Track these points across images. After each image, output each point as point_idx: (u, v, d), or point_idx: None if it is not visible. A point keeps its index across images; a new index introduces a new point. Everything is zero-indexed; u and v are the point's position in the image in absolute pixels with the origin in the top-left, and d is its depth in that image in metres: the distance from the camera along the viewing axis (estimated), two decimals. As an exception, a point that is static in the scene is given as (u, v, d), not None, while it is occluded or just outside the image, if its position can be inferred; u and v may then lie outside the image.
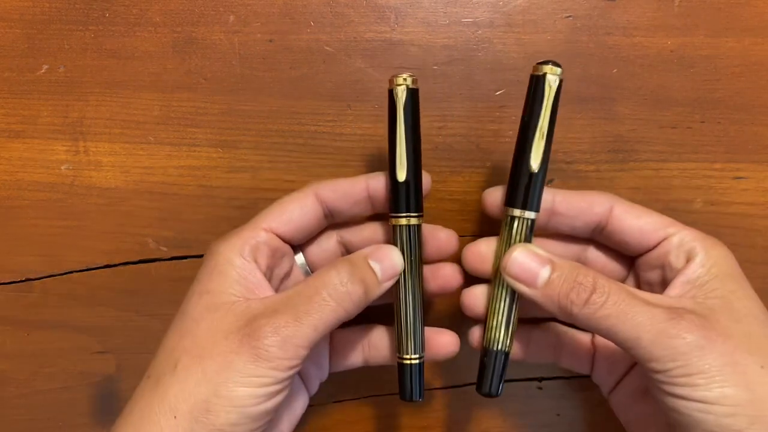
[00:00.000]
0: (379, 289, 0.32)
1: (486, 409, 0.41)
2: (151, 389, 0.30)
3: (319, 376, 0.37)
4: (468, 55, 0.38)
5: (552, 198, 0.34)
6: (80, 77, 0.38)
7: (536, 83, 0.32)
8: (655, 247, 0.33)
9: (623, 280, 0.36)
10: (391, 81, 0.33)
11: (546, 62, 0.32)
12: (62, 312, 0.39)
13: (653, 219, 0.33)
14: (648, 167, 0.39)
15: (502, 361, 0.33)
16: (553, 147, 0.38)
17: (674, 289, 0.32)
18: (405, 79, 0.32)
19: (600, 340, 0.36)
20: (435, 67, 0.38)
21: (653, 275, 0.34)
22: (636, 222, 0.33)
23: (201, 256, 0.39)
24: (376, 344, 0.37)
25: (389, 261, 0.33)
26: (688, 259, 0.32)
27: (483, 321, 0.35)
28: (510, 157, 0.33)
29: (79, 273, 0.39)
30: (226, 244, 0.32)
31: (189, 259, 0.39)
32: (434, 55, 0.38)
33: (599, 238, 0.35)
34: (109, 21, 0.38)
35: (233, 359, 0.29)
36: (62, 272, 0.39)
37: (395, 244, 0.34)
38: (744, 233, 0.39)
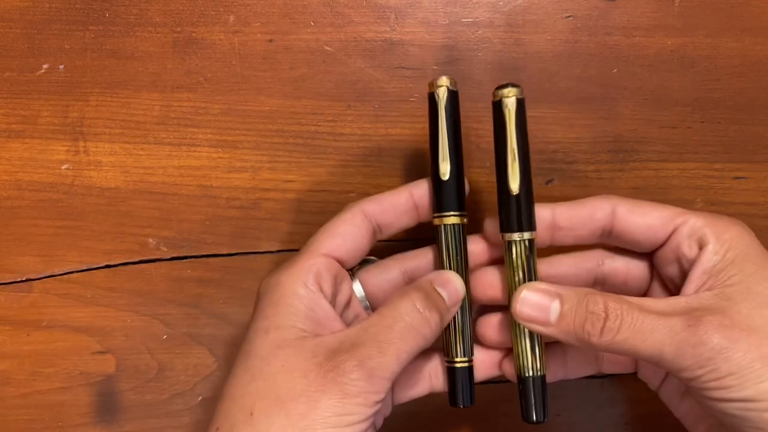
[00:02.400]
0: (449, 315, 0.32)
1: (486, 408, 0.41)
2: None
3: (383, 412, 0.34)
4: (468, 55, 0.38)
5: (551, 213, 0.33)
6: (80, 77, 0.38)
7: (496, 109, 0.32)
8: (666, 241, 0.32)
9: (648, 283, 0.35)
10: (431, 84, 0.33)
11: (504, 86, 0.32)
12: (62, 312, 0.39)
13: (659, 213, 0.32)
14: (648, 167, 0.39)
15: (540, 386, 0.33)
16: (553, 147, 0.39)
17: (692, 283, 0.31)
18: (445, 81, 0.33)
19: None
20: (435, 67, 0.38)
21: (672, 270, 0.33)
22: (642, 220, 0.32)
23: (201, 256, 0.39)
24: (440, 371, 0.35)
25: (452, 286, 0.32)
26: (701, 247, 0.31)
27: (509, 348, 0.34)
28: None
29: (79, 273, 0.39)
30: (286, 275, 0.31)
31: (189, 259, 0.39)
32: (434, 55, 0.38)
33: (610, 241, 0.34)
34: (109, 21, 0.38)
35: (318, 398, 0.27)
36: (62, 272, 0.39)
37: (440, 245, 0.33)
38: (744, 233, 0.39)
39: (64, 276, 0.39)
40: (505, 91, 0.32)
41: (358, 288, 0.35)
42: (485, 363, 0.35)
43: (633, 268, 0.34)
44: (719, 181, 0.39)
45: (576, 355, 0.35)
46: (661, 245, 0.33)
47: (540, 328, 0.31)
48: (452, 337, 0.34)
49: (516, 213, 0.32)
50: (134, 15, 0.38)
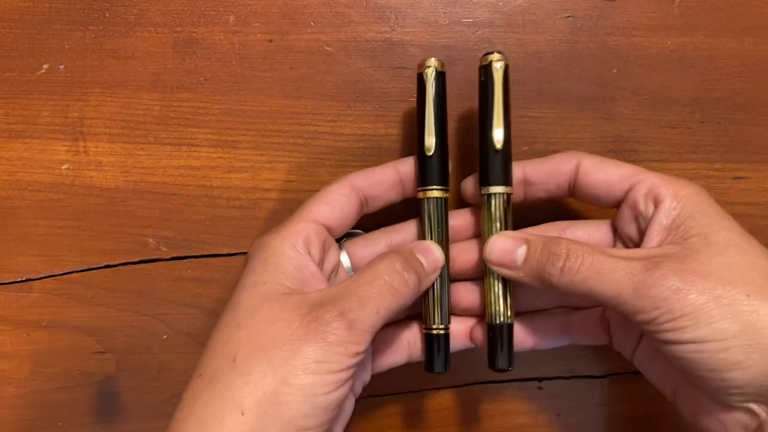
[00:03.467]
0: (427, 281, 0.33)
1: (486, 408, 0.41)
2: (208, 388, 0.29)
3: (362, 377, 0.36)
4: (468, 55, 0.38)
5: (522, 170, 0.35)
6: (80, 77, 0.38)
7: (485, 71, 0.34)
8: (624, 197, 0.33)
9: (611, 246, 0.35)
10: (420, 65, 0.35)
11: (491, 52, 0.34)
12: (62, 312, 0.39)
13: (618, 170, 0.34)
14: (648, 167, 0.38)
15: (507, 334, 0.34)
16: (553, 147, 0.39)
17: (651, 239, 0.32)
18: (433, 62, 0.34)
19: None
20: (435, 67, 0.38)
21: (631, 230, 0.34)
22: (601, 176, 0.34)
23: (201, 256, 0.39)
24: (418, 340, 0.36)
25: (432, 255, 0.34)
26: (656, 205, 0.32)
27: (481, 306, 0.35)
28: (510, 157, 0.34)
29: (78, 273, 0.39)
30: (276, 237, 0.32)
31: (189, 259, 0.39)
32: (434, 55, 0.38)
33: (576, 196, 0.35)
34: (109, 21, 0.38)
35: (300, 346, 0.28)
36: (62, 272, 0.39)
37: (422, 217, 0.35)
38: (744, 233, 0.39)
39: (64, 276, 0.39)
40: (494, 56, 0.34)
41: (345, 259, 0.36)
42: (458, 334, 0.36)
43: (593, 234, 0.35)
44: (719, 181, 0.39)
45: (545, 324, 0.36)
46: (620, 202, 0.34)
47: (508, 272, 0.33)
48: (430, 305, 0.35)
49: (498, 167, 0.34)
50: (134, 15, 0.38)
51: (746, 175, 0.39)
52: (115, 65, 0.38)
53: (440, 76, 0.35)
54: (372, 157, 0.39)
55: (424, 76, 0.34)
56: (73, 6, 0.38)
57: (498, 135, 0.34)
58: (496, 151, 0.34)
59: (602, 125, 0.39)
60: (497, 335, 0.34)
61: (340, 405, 0.30)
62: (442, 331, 0.35)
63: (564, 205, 0.39)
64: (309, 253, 0.32)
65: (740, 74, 0.38)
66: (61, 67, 0.38)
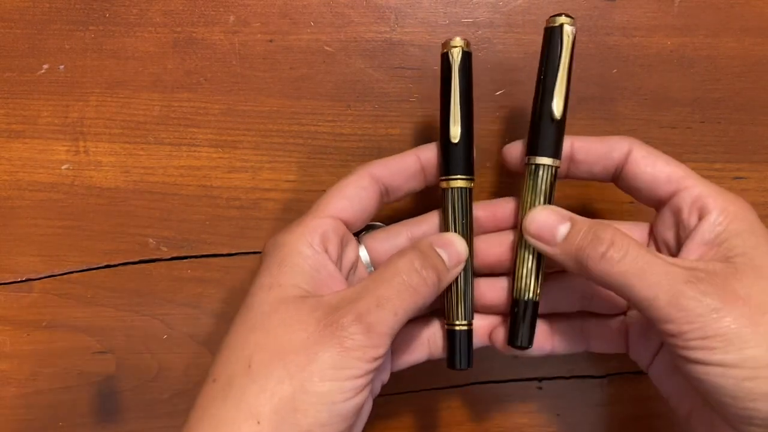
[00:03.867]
0: (448, 276, 0.32)
1: (486, 408, 0.41)
2: (222, 393, 0.28)
3: (381, 377, 0.34)
4: (468, 55, 0.38)
5: (570, 145, 0.33)
6: (80, 77, 0.38)
7: (551, 35, 0.32)
8: (669, 200, 0.32)
9: None
10: (445, 44, 0.33)
11: (560, 14, 0.32)
12: (62, 312, 0.39)
13: (668, 168, 0.32)
14: (648, 167, 0.39)
15: (531, 311, 0.33)
16: (553, 147, 0.39)
17: (690, 252, 0.31)
18: (459, 41, 0.32)
19: (632, 318, 0.35)
20: (435, 67, 0.38)
21: (669, 236, 0.33)
22: (650, 170, 0.32)
23: (201, 256, 0.39)
24: (439, 337, 0.35)
25: (454, 248, 0.32)
26: (701, 217, 0.31)
27: (511, 272, 0.34)
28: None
29: (79, 273, 0.39)
30: (292, 235, 0.31)
31: (189, 259, 0.39)
32: (434, 55, 0.38)
33: (619, 184, 0.33)
34: (109, 21, 0.38)
35: (317, 351, 0.27)
36: (62, 272, 0.39)
37: (446, 208, 0.33)
38: (744, 233, 0.39)
39: (64, 276, 0.39)
40: (564, 18, 0.32)
41: (364, 254, 0.34)
42: (478, 331, 0.35)
43: (631, 234, 0.34)
44: (719, 181, 0.39)
45: (565, 330, 0.35)
46: (663, 203, 0.32)
47: (543, 246, 0.31)
48: (453, 300, 0.33)
49: (551, 138, 0.32)
50: (134, 15, 0.38)
51: (746, 175, 0.39)
52: (115, 65, 0.38)
53: (467, 57, 0.32)
54: (372, 157, 0.39)
55: (450, 56, 0.32)
56: (73, 6, 0.38)
57: (558, 104, 0.31)
58: (552, 119, 0.32)
59: (602, 125, 0.39)
60: (521, 312, 0.33)
61: (359, 411, 0.29)
62: (465, 327, 0.33)
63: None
64: (326, 251, 0.31)
65: (740, 74, 0.38)
66: (61, 67, 0.38)
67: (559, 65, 0.32)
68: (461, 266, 0.32)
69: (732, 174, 0.39)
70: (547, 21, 0.32)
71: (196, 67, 0.38)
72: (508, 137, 0.38)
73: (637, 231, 0.34)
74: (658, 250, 0.34)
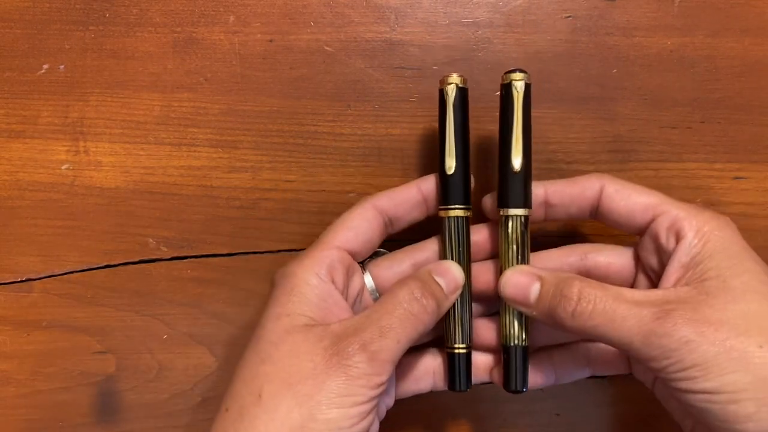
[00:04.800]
0: (447, 303, 0.33)
1: (486, 409, 0.41)
2: (234, 424, 0.29)
3: (386, 402, 0.35)
4: (468, 55, 0.38)
5: (544, 191, 0.34)
6: (80, 77, 0.38)
7: (506, 90, 0.33)
8: (647, 228, 0.33)
9: (633, 277, 0.35)
10: (442, 81, 0.34)
11: (513, 71, 0.33)
12: (62, 312, 0.39)
13: (642, 198, 0.33)
14: (648, 167, 0.39)
15: (521, 355, 0.34)
16: (553, 147, 0.39)
17: (669, 277, 0.31)
18: (456, 78, 0.34)
19: None
20: (435, 67, 0.38)
21: (653, 261, 0.33)
22: (624, 203, 0.33)
23: (201, 256, 0.39)
24: (443, 370, 0.36)
25: (451, 275, 0.33)
26: (678, 240, 0.32)
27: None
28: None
29: (79, 273, 0.39)
30: (300, 266, 0.32)
31: (189, 259, 0.39)
32: (434, 55, 0.38)
33: (598, 219, 0.34)
34: (109, 21, 0.38)
35: (324, 380, 0.29)
36: (62, 272, 0.39)
37: (444, 236, 0.35)
38: (744, 233, 0.39)
39: (64, 276, 0.39)
40: (515, 74, 0.33)
41: (368, 280, 0.35)
42: (481, 365, 0.36)
43: (615, 262, 0.35)
44: (719, 181, 0.39)
45: (565, 359, 0.36)
46: (643, 231, 0.33)
47: (522, 308, 0.33)
48: (451, 325, 0.35)
49: (515, 190, 0.33)
50: (134, 15, 0.38)
51: (746, 175, 0.39)
52: (115, 65, 0.38)
53: (462, 93, 0.34)
54: (372, 157, 0.39)
55: (445, 93, 0.34)
56: (73, 6, 0.38)
57: (517, 157, 0.33)
58: (515, 173, 0.33)
59: (602, 125, 0.39)
60: (512, 358, 0.34)
61: None
62: (463, 350, 0.35)
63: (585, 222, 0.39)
64: (333, 281, 0.32)
65: (740, 74, 0.38)
66: (61, 67, 0.38)
67: (512, 121, 0.33)
68: (458, 292, 0.34)
69: (732, 174, 0.39)
70: (502, 77, 0.34)
71: (196, 67, 0.38)
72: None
73: (622, 257, 0.35)
74: (645, 274, 0.34)
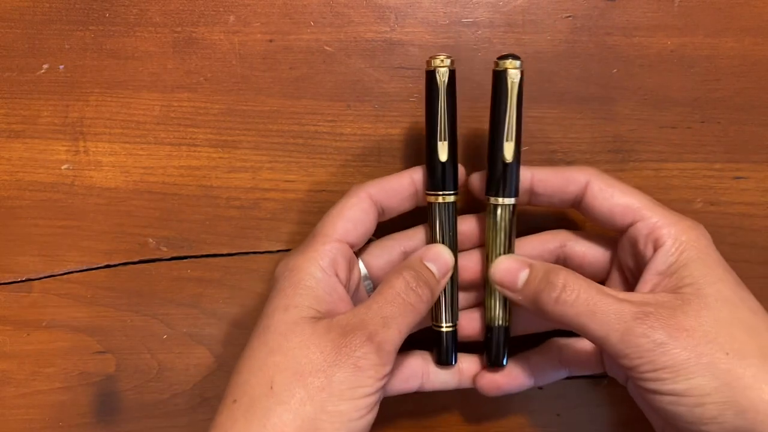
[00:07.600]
0: (439, 287, 0.34)
1: (486, 409, 0.41)
2: (246, 414, 0.29)
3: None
4: (468, 55, 0.38)
5: (530, 177, 0.35)
6: (80, 77, 0.38)
7: (498, 79, 0.33)
8: (626, 231, 0.34)
9: (606, 272, 0.36)
10: (429, 62, 0.34)
11: (506, 57, 0.33)
12: (62, 312, 0.39)
13: (624, 200, 0.33)
14: (648, 167, 0.39)
15: (503, 335, 0.36)
16: (553, 147, 0.39)
17: (645, 283, 0.32)
18: (444, 60, 0.33)
19: None
20: (435, 67, 0.38)
21: (630, 262, 0.35)
22: (606, 203, 0.34)
23: (201, 256, 0.39)
24: (431, 374, 0.37)
25: (442, 259, 0.34)
26: (656, 248, 0.32)
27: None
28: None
29: (78, 273, 0.39)
30: (304, 259, 0.32)
31: (189, 259, 0.39)
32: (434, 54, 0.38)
33: (581, 212, 0.35)
34: (109, 21, 0.38)
35: (334, 372, 0.29)
36: (62, 272, 0.39)
37: (433, 222, 0.35)
38: (744, 233, 0.39)
39: (64, 276, 0.39)
40: (509, 62, 0.33)
41: (361, 267, 0.36)
42: (464, 373, 0.37)
43: (591, 254, 0.36)
44: (719, 181, 0.39)
45: (542, 363, 0.37)
46: (622, 233, 0.34)
47: (508, 292, 0.33)
48: (441, 305, 0.36)
49: (506, 180, 0.34)
50: (134, 15, 0.38)
51: (746, 175, 0.39)
52: (115, 65, 0.38)
53: (451, 75, 0.34)
54: (372, 157, 0.39)
55: (436, 75, 0.33)
56: (73, 6, 0.38)
57: (508, 148, 0.33)
58: (506, 164, 0.34)
59: (602, 125, 0.39)
60: (494, 336, 0.36)
61: (369, 427, 0.31)
62: (451, 328, 0.36)
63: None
64: (336, 274, 0.33)
65: (740, 74, 0.38)
66: (61, 67, 0.38)
67: (506, 111, 0.33)
68: (449, 275, 0.35)
69: (732, 174, 0.39)
70: (494, 62, 0.33)
71: (196, 67, 0.38)
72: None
73: (599, 249, 0.36)
74: (619, 270, 0.36)
